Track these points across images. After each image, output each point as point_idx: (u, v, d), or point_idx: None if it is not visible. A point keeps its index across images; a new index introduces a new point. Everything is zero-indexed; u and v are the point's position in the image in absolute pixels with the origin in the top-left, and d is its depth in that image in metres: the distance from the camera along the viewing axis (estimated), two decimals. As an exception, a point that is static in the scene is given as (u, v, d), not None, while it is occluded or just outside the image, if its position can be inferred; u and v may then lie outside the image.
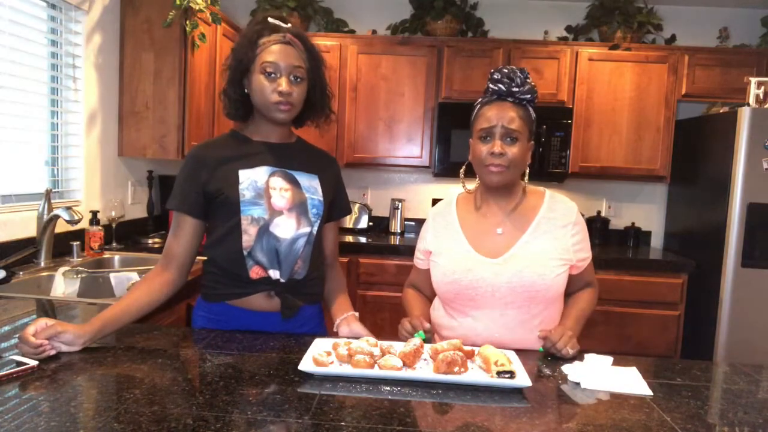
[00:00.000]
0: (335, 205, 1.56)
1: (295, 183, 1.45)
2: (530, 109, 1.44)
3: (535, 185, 1.55)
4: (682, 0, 3.60)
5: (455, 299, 1.47)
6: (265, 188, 1.40)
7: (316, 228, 1.46)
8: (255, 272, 1.40)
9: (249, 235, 1.38)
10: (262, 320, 1.43)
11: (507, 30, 3.67)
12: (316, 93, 1.46)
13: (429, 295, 1.64)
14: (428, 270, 1.56)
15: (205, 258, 1.47)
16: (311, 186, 1.47)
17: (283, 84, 1.35)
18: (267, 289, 1.41)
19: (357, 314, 1.48)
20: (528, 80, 1.41)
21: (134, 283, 2.03)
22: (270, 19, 1.39)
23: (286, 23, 1.40)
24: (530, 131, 1.43)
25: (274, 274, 1.41)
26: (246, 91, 1.41)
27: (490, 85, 1.42)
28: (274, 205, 1.40)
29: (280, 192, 1.42)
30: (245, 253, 1.38)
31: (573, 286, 1.55)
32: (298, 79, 1.39)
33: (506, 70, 1.41)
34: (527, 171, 1.48)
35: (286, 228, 1.41)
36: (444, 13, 3.46)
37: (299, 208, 1.43)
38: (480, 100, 1.46)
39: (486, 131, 1.40)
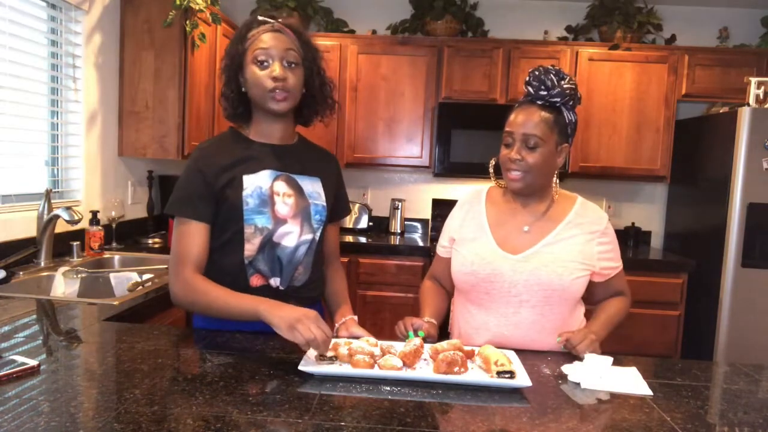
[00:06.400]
0: (336, 205, 1.55)
1: (298, 189, 1.43)
2: (564, 110, 1.41)
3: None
4: (682, 0, 3.60)
5: (471, 291, 1.48)
6: (269, 194, 1.38)
7: (318, 234, 1.45)
8: (255, 280, 1.39)
9: (252, 244, 1.36)
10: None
11: (507, 30, 3.67)
12: (315, 82, 1.42)
13: (449, 288, 1.63)
14: (450, 259, 1.55)
15: None
16: (314, 191, 1.46)
17: (277, 69, 1.32)
18: (266, 296, 1.39)
19: (356, 318, 1.48)
20: (562, 82, 1.38)
21: (135, 284, 2.03)
22: (260, 17, 1.37)
23: (277, 20, 1.37)
24: (560, 134, 1.41)
25: (275, 282, 1.40)
26: (243, 89, 1.39)
27: (525, 87, 1.43)
28: (278, 213, 1.38)
29: (284, 198, 1.39)
30: (246, 262, 1.37)
31: (600, 294, 1.55)
32: (292, 65, 1.35)
33: (538, 72, 1.39)
34: (557, 176, 1.48)
35: (289, 237, 1.39)
36: (444, 13, 3.46)
37: (303, 214, 1.42)
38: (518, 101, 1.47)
39: (508, 136, 1.42)
